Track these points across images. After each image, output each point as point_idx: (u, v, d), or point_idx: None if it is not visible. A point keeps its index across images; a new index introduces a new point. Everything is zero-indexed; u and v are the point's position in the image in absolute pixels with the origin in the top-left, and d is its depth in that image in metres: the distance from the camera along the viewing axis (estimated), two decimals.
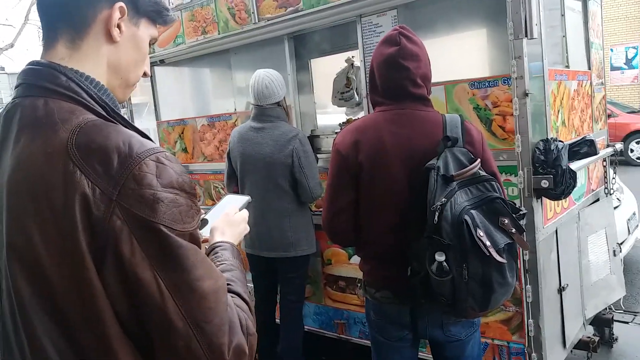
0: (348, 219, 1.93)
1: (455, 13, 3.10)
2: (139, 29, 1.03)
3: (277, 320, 3.33)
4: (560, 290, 2.75)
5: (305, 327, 3.36)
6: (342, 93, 3.77)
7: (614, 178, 3.56)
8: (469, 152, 1.79)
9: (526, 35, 2.34)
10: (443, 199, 1.64)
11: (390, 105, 1.89)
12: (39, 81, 0.93)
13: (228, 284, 1.02)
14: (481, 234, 1.60)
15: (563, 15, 3.03)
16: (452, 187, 1.67)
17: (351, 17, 3.05)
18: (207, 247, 1.21)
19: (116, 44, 0.99)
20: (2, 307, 0.91)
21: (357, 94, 3.68)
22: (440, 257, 1.62)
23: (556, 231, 2.74)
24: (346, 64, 3.78)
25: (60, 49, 0.97)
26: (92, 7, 0.96)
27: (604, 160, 3.47)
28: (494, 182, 1.74)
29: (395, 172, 1.83)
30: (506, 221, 1.67)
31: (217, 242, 1.19)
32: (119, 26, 0.98)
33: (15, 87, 0.97)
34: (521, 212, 1.77)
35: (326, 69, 4.08)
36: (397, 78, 1.85)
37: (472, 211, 1.64)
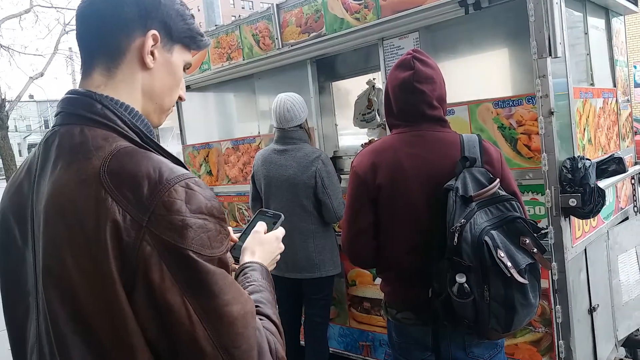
0: (368, 240, 1.93)
1: (476, 33, 3.10)
2: (173, 55, 1.04)
3: (302, 342, 3.32)
4: (591, 310, 2.69)
5: (330, 349, 3.33)
6: (364, 114, 3.79)
7: None
8: (487, 172, 1.77)
9: (550, 54, 2.33)
10: (462, 220, 1.63)
11: (406, 127, 1.90)
12: (76, 109, 0.96)
13: (257, 306, 1.02)
14: (502, 254, 1.58)
15: (586, 33, 3.01)
16: (471, 207, 1.65)
17: (373, 41, 3.08)
18: (237, 267, 1.20)
19: (150, 70, 1.01)
20: (39, 329, 0.93)
21: (379, 115, 3.70)
22: (461, 278, 1.60)
23: (585, 250, 2.68)
24: (367, 86, 3.81)
25: (97, 77, 0.99)
26: (126, 36, 0.98)
27: (632, 178, 3.40)
28: (514, 202, 1.73)
29: (414, 194, 1.83)
30: (527, 241, 1.65)
31: (247, 263, 1.19)
32: (152, 53, 1.00)
33: (55, 115, 1.00)
34: (542, 232, 1.74)
35: (348, 90, 4.12)
36: (413, 101, 1.86)
37: (493, 232, 1.62)
